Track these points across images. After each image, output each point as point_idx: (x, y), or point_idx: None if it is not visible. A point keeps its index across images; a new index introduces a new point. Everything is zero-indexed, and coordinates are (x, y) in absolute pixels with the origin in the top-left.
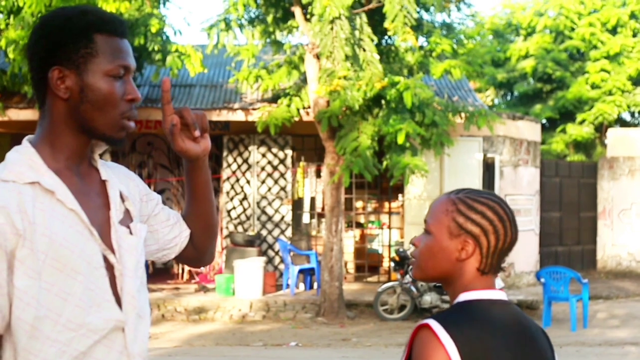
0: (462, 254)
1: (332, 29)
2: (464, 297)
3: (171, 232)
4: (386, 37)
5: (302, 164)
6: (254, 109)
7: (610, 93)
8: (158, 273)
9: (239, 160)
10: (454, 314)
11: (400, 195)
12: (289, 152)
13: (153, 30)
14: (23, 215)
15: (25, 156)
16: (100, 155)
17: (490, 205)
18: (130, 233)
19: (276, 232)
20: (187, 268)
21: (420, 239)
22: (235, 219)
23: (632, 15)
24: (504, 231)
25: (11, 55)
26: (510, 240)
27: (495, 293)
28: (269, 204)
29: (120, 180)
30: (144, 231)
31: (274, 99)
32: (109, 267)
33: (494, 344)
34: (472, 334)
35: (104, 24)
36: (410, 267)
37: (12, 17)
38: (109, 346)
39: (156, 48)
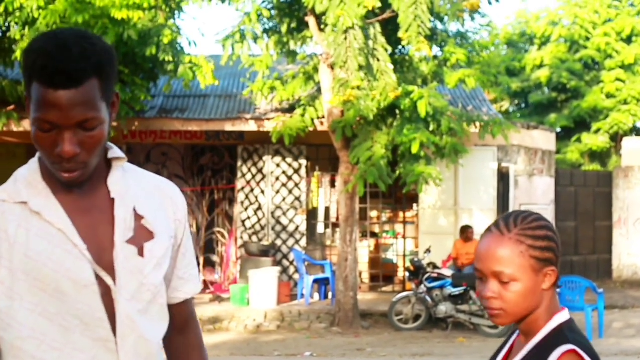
0: (547, 282)
1: (345, 39)
2: (560, 318)
3: (172, 284)
4: (400, 46)
5: (316, 173)
6: (268, 119)
7: (625, 102)
8: None
9: (254, 170)
10: (579, 338)
11: (414, 205)
12: (304, 162)
13: (165, 41)
14: (5, 234)
15: (28, 172)
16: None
17: (546, 227)
18: (141, 253)
19: (291, 242)
20: (201, 278)
21: (494, 289)
22: (250, 228)
23: None
24: (559, 239)
25: None
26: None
27: (566, 310)
28: (284, 213)
29: (146, 194)
30: (161, 250)
31: (288, 109)
32: (107, 287)
33: None
34: (596, 354)
35: (40, 72)
36: (494, 317)
37: (27, 28)
38: None
39: (168, 59)
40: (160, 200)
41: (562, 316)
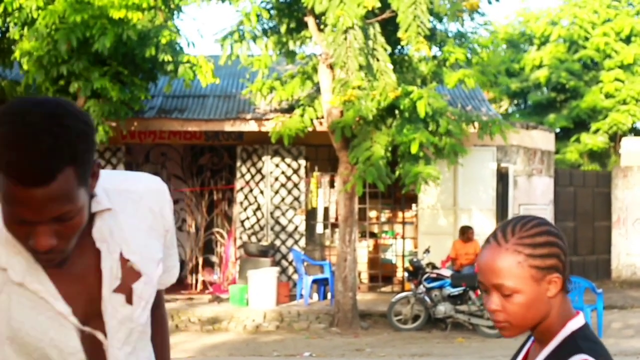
0: (552, 289)
1: (345, 39)
2: (574, 325)
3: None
4: (399, 46)
5: (315, 174)
6: (267, 120)
7: (624, 102)
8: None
9: (253, 170)
10: (593, 346)
11: (413, 205)
12: (303, 162)
13: (163, 41)
14: None
15: (2, 231)
16: (114, 167)
17: (547, 231)
18: (129, 300)
19: (290, 242)
20: (200, 278)
21: (497, 302)
22: (249, 229)
23: None
24: (564, 242)
25: (25, 67)
26: (567, 251)
27: (582, 315)
28: (283, 214)
29: (133, 226)
30: (149, 289)
31: (287, 110)
32: (97, 342)
33: None
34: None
35: (7, 168)
36: (502, 330)
37: (26, 28)
38: None
39: (167, 59)
40: (149, 221)
41: (576, 322)
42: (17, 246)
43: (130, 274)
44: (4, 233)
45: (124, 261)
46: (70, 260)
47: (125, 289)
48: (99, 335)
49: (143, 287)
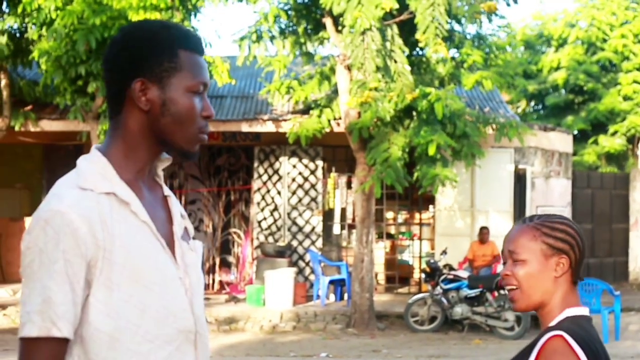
0: (558, 270)
1: (363, 40)
2: (571, 312)
3: None
4: (417, 48)
5: (332, 175)
6: (285, 120)
7: None
8: None
9: (270, 171)
10: (576, 328)
11: (431, 207)
12: (320, 163)
13: None
14: (103, 225)
15: (97, 165)
16: None
17: (567, 224)
18: (192, 249)
19: (307, 243)
20: (217, 278)
21: (510, 269)
22: (266, 229)
23: None
24: (582, 243)
25: (44, 67)
26: (584, 251)
27: (586, 309)
28: (300, 214)
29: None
30: (200, 249)
31: (305, 110)
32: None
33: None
34: (595, 349)
35: (188, 40)
36: (512, 301)
37: (45, 29)
38: (182, 358)
39: None
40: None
41: (575, 310)
42: (113, 180)
43: (185, 232)
44: (98, 171)
45: (182, 217)
46: (152, 202)
47: (186, 241)
48: (180, 272)
49: (196, 245)
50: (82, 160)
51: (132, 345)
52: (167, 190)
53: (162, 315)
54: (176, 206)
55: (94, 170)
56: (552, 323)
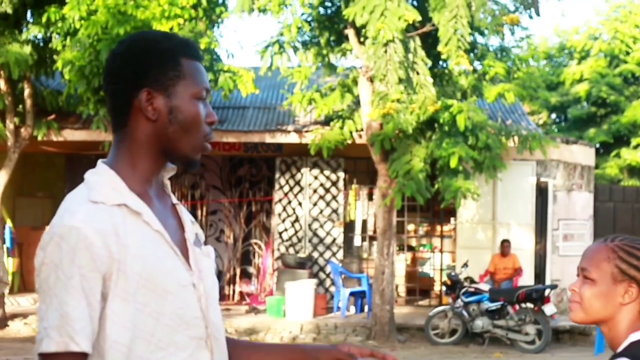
0: (625, 298)
1: (385, 52)
2: (636, 336)
3: None
4: (440, 60)
5: (354, 186)
6: (307, 132)
7: None
8: None
9: (291, 182)
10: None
11: (452, 219)
12: (341, 174)
13: (202, 47)
14: (117, 237)
15: (106, 178)
16: None
17: None
18: (205, 255)
19: (327, 254)
20: (238, 289)
21: (578, 285)
22: (287, 240)
23: None
24: None
25: (67, 77)
26: None
27: None
28: (321, 226)
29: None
30: (213, 254)
31: (327, 122)
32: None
33: None
34: None
35: (188, 48)
36: (571, 311)
37: (68, 38)
38: None
39: (206, 66)
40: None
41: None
42: (123, 192)
43: (197, 238)
44: (108, 183)
45: (192, 223)
46: (162, 211)
47: (198, 247)
48: (194, 278)
49: (209, 250)
50: (90, 174)
51: (145, 353)
52: (174, 199)
53: (174, 322)
54: (185, 213)
55: (104, 183)
56: (619, 349)
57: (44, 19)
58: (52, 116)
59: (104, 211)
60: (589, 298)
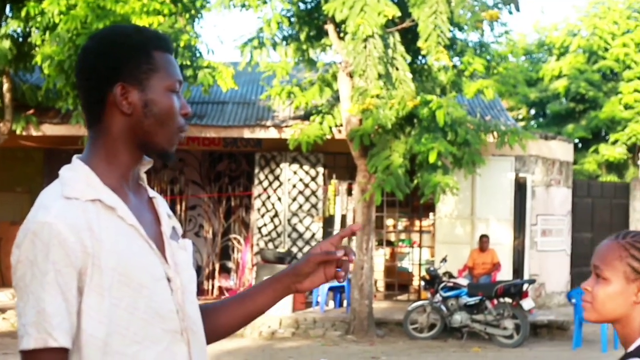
0: (639, 296)
1: (365, 47)
2: None
3: None
4: (419, 56)
5: (333, 181)
6: (286, 127)
7: None
8: None
9: (271, 177)
10: None
11: (431, 214)
12: (321, 169)
13: (182, 44)
14: (91, 232)
15: (80, 174)
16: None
17: None
18: (182, 248)
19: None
20: (217, 284)
21: (591, 283)
22: (266, 235)
23: None
24: None
25: (46, 71)
26: None
27: None
28: (300, 221)
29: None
30: (190, 247)
31: (306, 117)
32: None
33: None
34: None
35: (160, 41)
36: (584, 310)
37: (47, 33)
38: (173, 357)
39: (186, 63)
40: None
41: None
42: (97, 187)
43: (174, 231)
44: (82, 179)
45: (169, 216)
46: (138, 205)
47: (175, 240)
48: (170, 272)
49: (186, 243)
50: (65, 170)
51: (121, 347)
52: (152, 192)
53: (149, 316)
54: (162, 207)
55: (78, 179)
56: (631, 348)
57: (23, 14)
58: (31, 111)
59: (77, 207)
60: (602, 298)
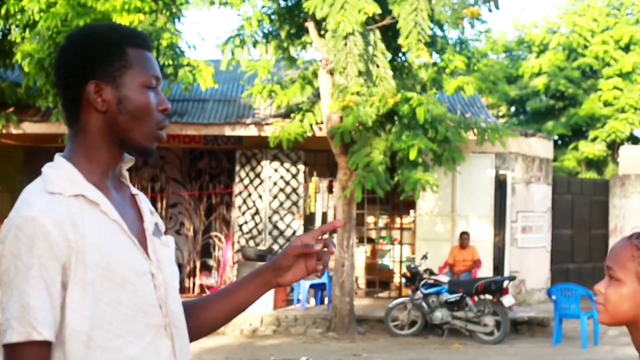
0: None
1: (345, 44)
2: None
3: None
4: (400, 53)
5: (314, 179)
6: (267, 124)
7: (622, 110)
8: None
9: (251, 174)
10: None
11: (411, 211)
12: (302, 167)
13: (164, 44)
14: (74, 227)
15: (63, 170)
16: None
17: None
18: (164, 244)
19: None
20: (198, 282)
21: (603, 285)
22: (247, 233)
23: None
24: None
25: (26, 69)
26: None
27: None
28: (281, 218)
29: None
30: (173, 243)
31: (287, 114)
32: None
33: None
34: None
35: (134, 37)
36: (597, 311)
37: (27, 31)
38: (157, 352)
39: (167, 62)
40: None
41: None
42: (80, 183)
43: (156, 228)
44: (65, 175)
45: (151, 213)
46: (121, 202)
47: (158, 237)
48: (153, 268)
49: (168, 240)
50: (47, 167)
51: (104, 341)
52: (134, 190)
53: (132, 311)
54: (145, 203)
55: (61, 175)
56: None
57: (3, 11)
58: (11, 109)
59: (61, 202)
60: (615, 300)
